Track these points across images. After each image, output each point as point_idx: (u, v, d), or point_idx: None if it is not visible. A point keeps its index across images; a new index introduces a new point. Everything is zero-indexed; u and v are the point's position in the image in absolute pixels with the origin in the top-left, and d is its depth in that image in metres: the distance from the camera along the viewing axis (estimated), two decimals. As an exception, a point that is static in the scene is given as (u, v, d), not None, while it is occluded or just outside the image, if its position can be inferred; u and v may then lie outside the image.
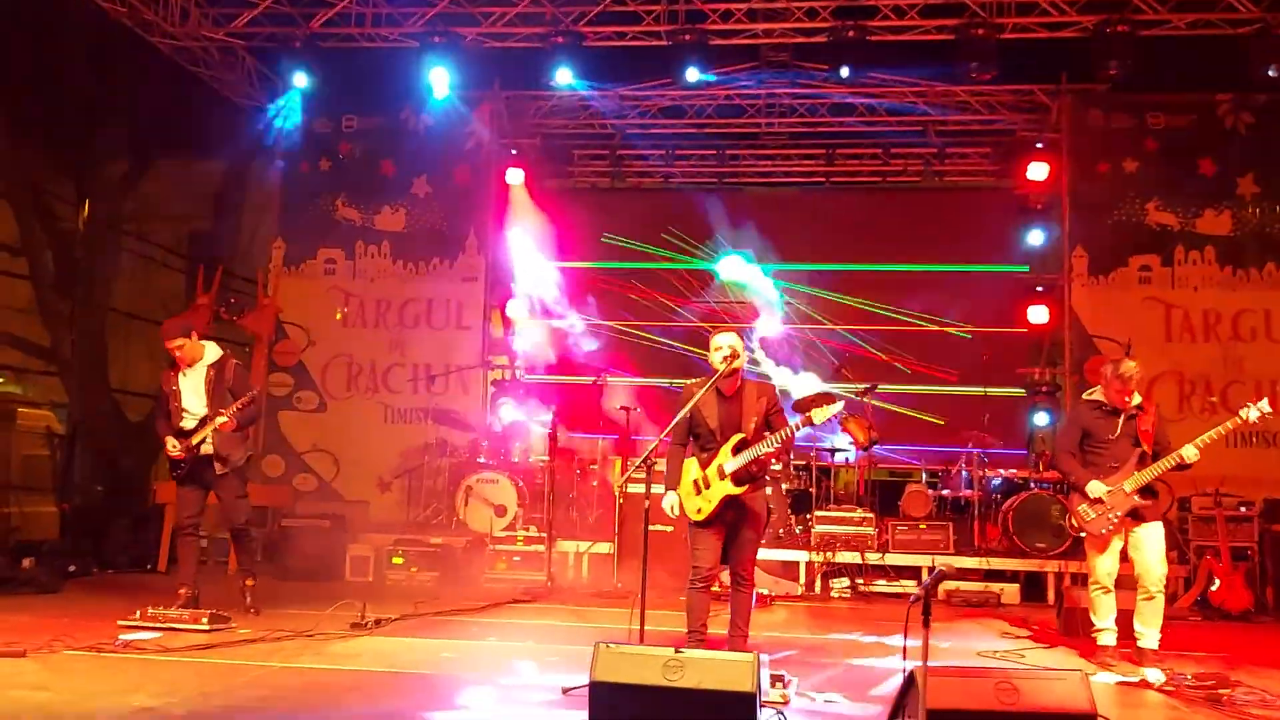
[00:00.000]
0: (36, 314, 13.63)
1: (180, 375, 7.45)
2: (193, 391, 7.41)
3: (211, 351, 7.54)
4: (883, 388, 11.20)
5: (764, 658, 4.58)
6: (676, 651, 4.37)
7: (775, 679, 5.32)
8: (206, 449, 7.32)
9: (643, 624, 5.47)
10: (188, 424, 7.35)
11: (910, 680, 4.34)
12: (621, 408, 10.32)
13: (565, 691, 5.36)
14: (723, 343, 5.78)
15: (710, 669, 4.28)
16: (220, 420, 7.19)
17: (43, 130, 13.09)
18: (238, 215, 14.23)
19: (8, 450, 11.04)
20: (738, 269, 13.40)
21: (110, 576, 9.66)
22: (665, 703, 4.24)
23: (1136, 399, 6.50)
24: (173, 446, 7.32)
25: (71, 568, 9.44)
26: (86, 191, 13.33)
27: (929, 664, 4.12)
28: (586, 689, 5.13)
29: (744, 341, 5.89)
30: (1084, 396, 6.87)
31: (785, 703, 5.20)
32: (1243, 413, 6.21)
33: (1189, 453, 6.23)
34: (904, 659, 3.86)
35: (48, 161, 13.51)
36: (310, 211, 13.15)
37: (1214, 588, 9.07)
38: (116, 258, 14.00)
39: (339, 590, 8.94)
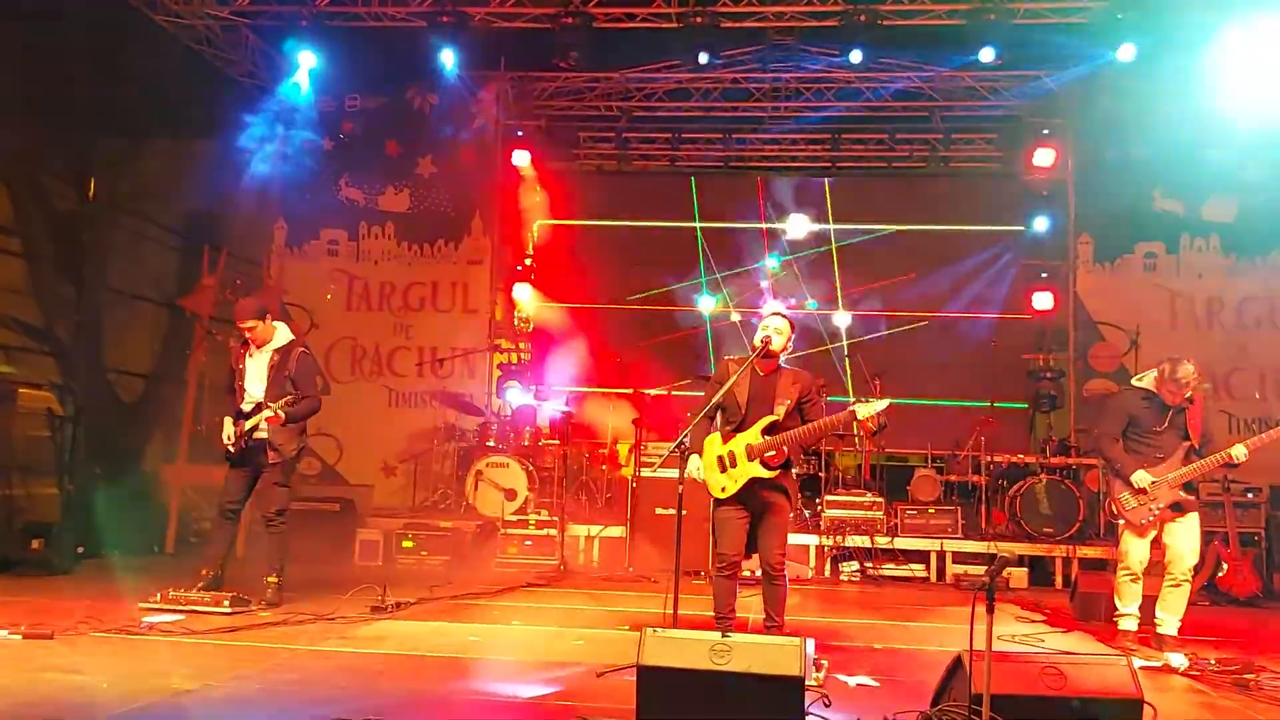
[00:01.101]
0: (33, 294, 13.46)
1: (248, 355, 7.36)
2: (255, 374, 7.31)
3: (281, 335, 7.41)
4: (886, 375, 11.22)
5: (810, 643, 4.57)
6: (724, 635, 4.36)
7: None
8: (260, 434, 7.22)
9: (676, 608, 5.46)
10: (246, 406, 7.27)
11: (957, 663, 4.36)
12: (636, 391, 10.28)
13: (600, 674, 5.35)
14: (769, 324, 5.77)
15: (758, 653, 4.27)
16: (267, 414, 7.10)
17: (41, 107, 12.88)
18: (239, 195, 14.07)
19: (9, 432, 10.91)
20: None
21: (119, 558, 9.57)
22: (713, 686, 4.23)
23: (1188, 393, 6.50)
24: (228, 434, 7.24)
25: (80, 549, 9.35)
26: (86, 170, 13.14)
27: (973, 649, 4.11)
28: (621, 671, 5.20)
29: (792, 329, 5.85)
30: (1133, 383, 6.81)
31: (821, 685, 5.21)
32: None
33: (1238, 452, 6.24)
34: (970, 645, 3.84)
35: (46, 139, 13.30)
36: (312, 191, 13.05)
37: (1222, 573, 9.15)
38: (113, 236, 13.83)
39: (348, 574, 8.94)
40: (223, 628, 6.27)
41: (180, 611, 6.65)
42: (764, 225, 13.55)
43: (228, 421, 7.28)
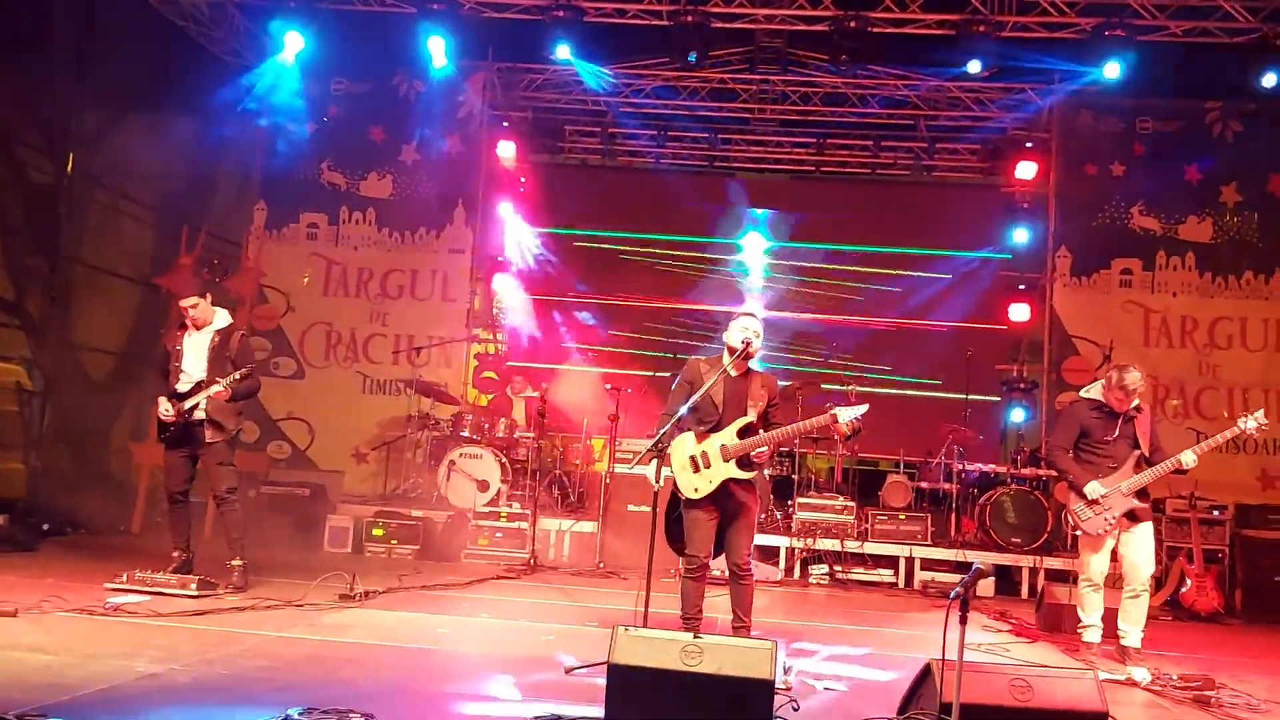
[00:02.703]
0: (5, 266, 13.27)
1: (187, 336, 7.32)
2: (195, 354, 7.27)
3: (221, 318, 7.42)
4: (866, 374, 11.31)
5: (782, 646, 4.58)
6: (695, 637, 4.37)
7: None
8: (199, 414, 7.18)
9: (647, 606, 5.46)
10: (182, 386, 7.21)
11: (926, 671, 4.39)
12: (613, 387, 10.27)
13: (569, 671, 5.35)
14: (748, 325, 5.79)
15: (729, 655, 4.28)
16: (215, 389, 7.05)
17: (20, 80, 12.71)
18: (218, 175, 13.93)
19: (-23, 406, 10.80)
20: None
21: (84, 537, 9.49)
22: (683, 687, 4.24)
23: (1135, 401, 6.59)
24: (165, 410, 7.17)
25: (45, 526, 9.24)
26: (64, 143, 12.97)
27: (944, 658, 4.14)
28: (590, 669, 5.21)
29: (762, 329, 5.88)
30: (1081, 394, 6.92)
31: (789, 688, 5.23)
32: (1241, 422, 6.31)
33: (1188, 458, 6.33)
34: (943, 653, 3.86)
35: (23, 112, 13.12)
36: (294, 174, 12.95)
37: (1185, 589, 9.27)
38: (89, 211, 13.67)
39: (317, 560, 8.90)
40: (189, 611, 6.22)
41: (146, 593, 6.60)
42: (731, 240, 13.56)
43: (163, 401, 7.19)
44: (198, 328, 7.30)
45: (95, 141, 13.40)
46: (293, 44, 11.56)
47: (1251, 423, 6.28)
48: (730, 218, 13.57)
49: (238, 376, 7.05)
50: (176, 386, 7.23)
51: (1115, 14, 10.67)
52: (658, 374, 12.25)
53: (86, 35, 12.66)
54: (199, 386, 7.15)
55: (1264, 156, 11.90)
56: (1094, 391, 6.79)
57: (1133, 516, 6.53)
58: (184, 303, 7.26)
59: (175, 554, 7.23)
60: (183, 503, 7.44)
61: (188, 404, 7.13)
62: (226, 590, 7.00)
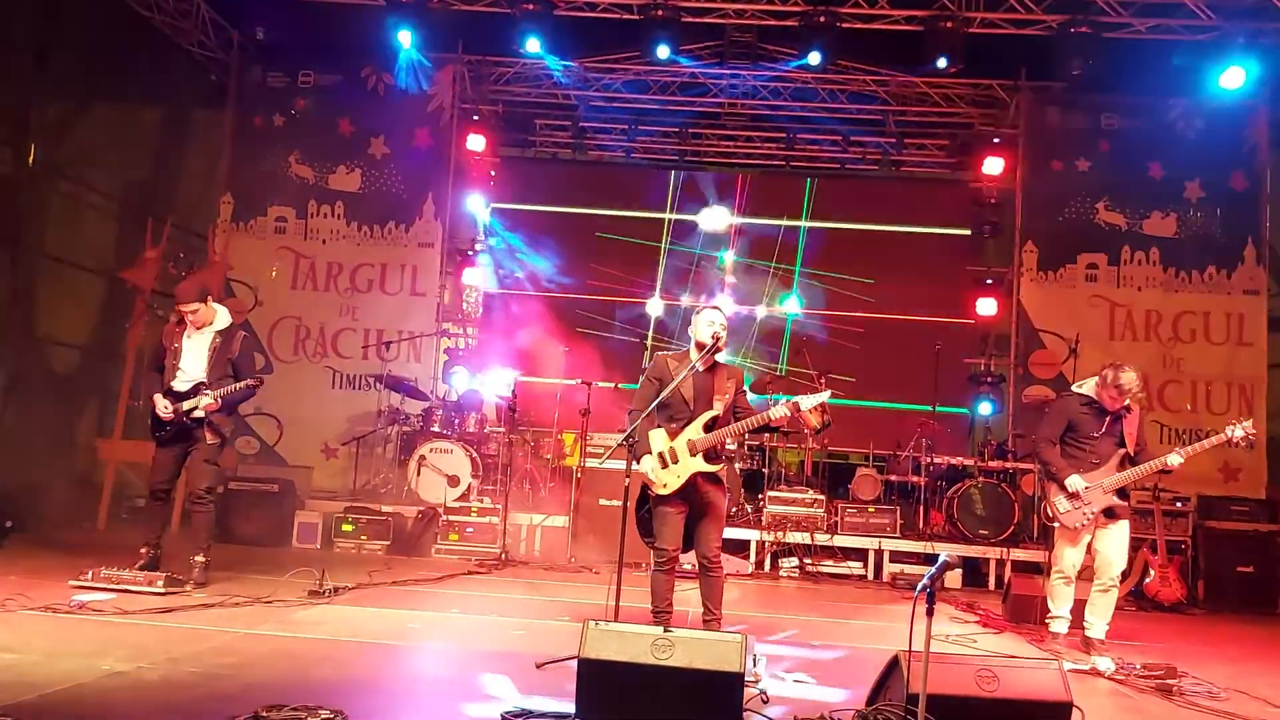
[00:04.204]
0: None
1: (186, 335, 7.24)
2: (195, 354, 7.20)
3: (223, 318, 7.35)
4: (834, 375, 11.36)
5: (751, 639, 4.61)
6: (665, 630, 4.39)
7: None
8: (197, 414, 7.11)
9: (618, 601, 5.48)
10: (180, 385, 7.15)
11: (894, 663, 4.43)
12: (582, 383, 10.27)
13: (540, 665, 5.35)
14: (714, 319, 5.80)
15: (699, 648, 4.31)
16: (206, 401, 7.03)
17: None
18: (184, 167, 13.77)
19: (-62, 400, 10.63)
20: (716, 220, 13.49)
21: (50, 534, 9.37)
22: (653, 680, 4.26)
23: (1127, 400, 6.65)
24: (164, 408, 7.09)
25: (9, 524, 9.11)
26: (23, 133, 12.77)
27: (911, 650, 4.18)
28: (561, 663, 5.21)
29: (726, 321, 5.90)
30: (1073, 389, 6.96)
31: (758, 680, 5.26)
32: (1228, 430, 6.35)
33: (1173, 459, 6.39)
34: (910, 645, 3.90)
35: (-18, 101, 12.92)
36: (261, 167, 12.82)
37: (1149, 579, 9.39)
38: (51, 203, 13.48)
39: (285, 557, 8.84)
40: (156, 608, 6.17)
41: (112, 590, 6.53)
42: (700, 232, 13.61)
43: (160, 399, 7.14)
44: (198, 328, 7.23)
45: (58, 132, 13.22)
46: (260, 36, 11.45)
47: (1239, 431, 6.34)
48: (699, 211, 13.60)
49: (226, 391, 7.05)
50: (173, 385, 7.16)
51: (1080, 10, 10.79)
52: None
53: (48, 24, 12.48)
54: (199, 388, 7.10)
55: (1226, 153, 12.06)
56: (1087, 388, 6.81)
57: (1111, 514, 6.60)
58: (184, 308, 7.16)
59: (144, 549, 7.15)
60: (165, 499, 7.39)
61: (186, 405, 7.07)
62: (191, 587, 6.94)
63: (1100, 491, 6.56)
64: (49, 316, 13.60)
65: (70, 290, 13.77)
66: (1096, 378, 6.74)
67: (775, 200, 13.87)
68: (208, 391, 7.05)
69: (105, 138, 13.52)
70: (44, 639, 5.26)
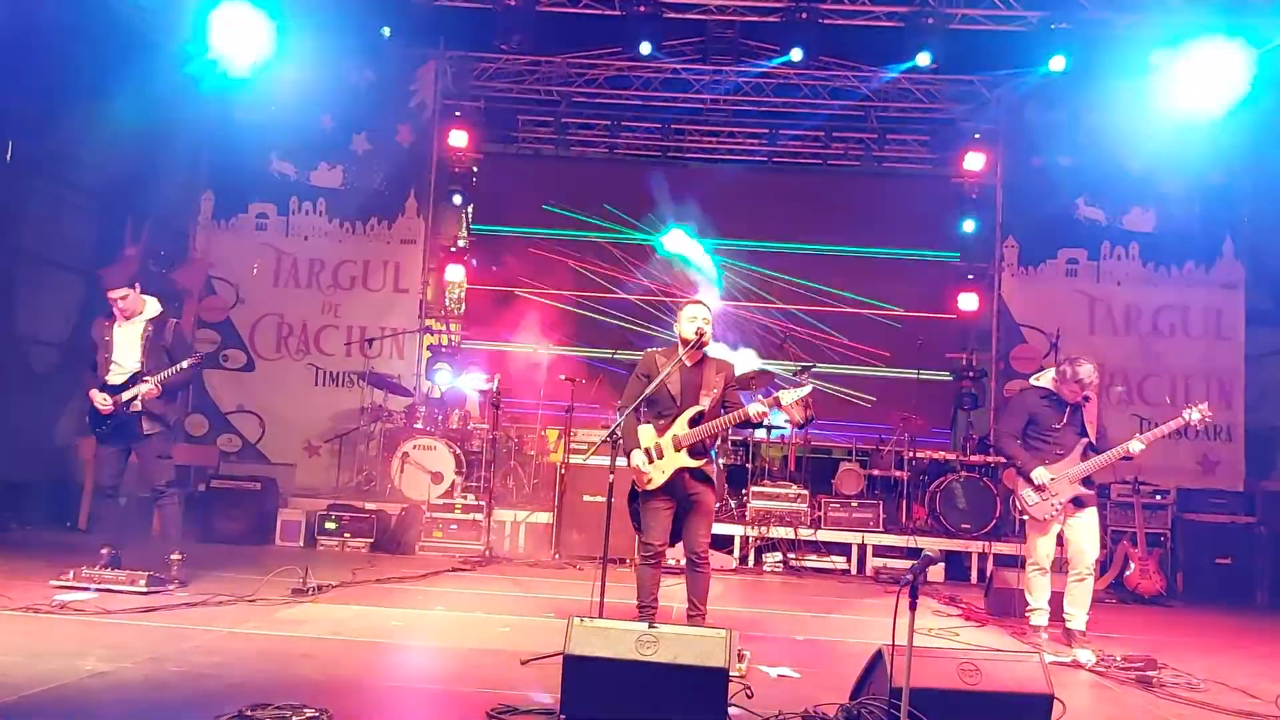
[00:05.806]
0: (-61, 257, 12.94)
1: (116, 326, 7.18)
2: (127, 345, 7.13)
3: (152, 307, 7.27)
4: (818, 367, 11.41)
5: (736, 634, 4.62)
6: (650, 626, 4.40)
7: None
8: (135, 406, 7.05)
9: (603, 597, 5.49)
10: (114, 379, 7.07)
11: (878, 657, 4.46)
12: (565, 378, 10.26)
13: (524, 662, 5.35)
14: (696, 314, 5.80)
15: (684, 644, 4.33)
16: (145, 388, 6.97)
17: (-44, 65, 12.37)
18: (164, 163, 13.67)
19: (-87, 399, 10.53)
20: (680, 243, 13.48)
21: (30, 533, 9.31)
22: (638, 676, 4.28)
23: (1086, 392, 6.71)
24: (102, 401, 7.02)
25: (-11, 523, 9.07)
26: (3, 130, 12.65)
27: (894, 644, 4.20)
28: (546, 660, 5.22)
29: (711, 315, 5.91)
30: (1031, 382, 7.05)
31: (743, 676, 5.28)
32: (1185, 413, 6.47)
33: (1135, 446, 6.49)
34: (893, 639, 3.92)
35: (-41, 98, 12.78)
36: (242, 163, 12.74)
37: (1129, 572, 9.48)
38: (29, 200, 13.36)
39: (268, 555, 8.82)
40: (138, 608, 6.14)
41: (94, 590, 6.49)
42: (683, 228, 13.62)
43: (97, 393, 7.04)
44: (127, 318, 7.15)
45: (35, 128, 13.09)
46: (240, 31, 11.34)
47: (1195, 414, 6.45)
48: (680, 208, 13.60)
49: (165, 375, 6.97)
50: (107, 378, 7.09)
51: (1060, 7, 10.85)
52: (615, 354, 12.30)
53: (23, 20, 12.35)
54: (135, 379, 7.03)
55: (1203, 149, 12.12)
56: (1044, 380, 6.91)
57: (1079, 503, 6.68)
58: (112, 294, 7.09)
59: (104, 550, 7.08)
60: (113, 497, 7.33)
61: (126, 395, 7.00)
62: (173, 586, 6.91)
63: (1067, 482, 6.64)
64: (29, 315, 13.48)
65: (50, 289, 13.65)
66: (1053, 370, 6.86)
67: (757, 195, 13.84)
68: (147, 379, 6.97)
69: (84, 134, 13.40)
70: (24, 639, 5.24)
